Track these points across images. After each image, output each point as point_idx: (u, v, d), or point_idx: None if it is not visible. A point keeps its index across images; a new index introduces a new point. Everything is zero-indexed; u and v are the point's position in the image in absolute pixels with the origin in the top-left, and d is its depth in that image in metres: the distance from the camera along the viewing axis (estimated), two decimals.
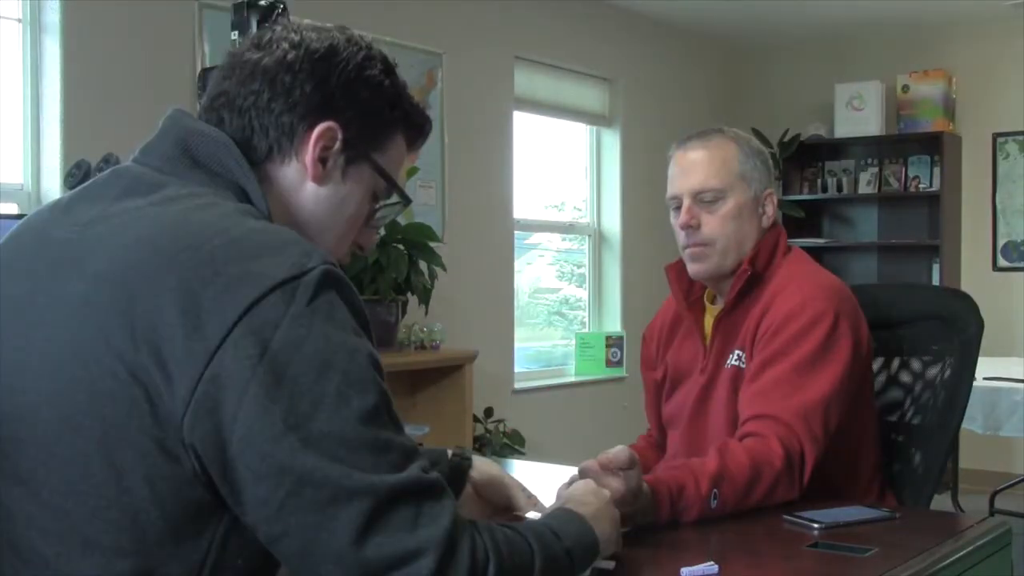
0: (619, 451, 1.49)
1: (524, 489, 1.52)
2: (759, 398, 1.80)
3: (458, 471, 1.49)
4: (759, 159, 2.00)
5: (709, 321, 2.03)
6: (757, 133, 6.45)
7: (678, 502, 1.58)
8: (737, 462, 1.66)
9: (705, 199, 1.95)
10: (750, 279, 1.93)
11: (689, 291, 2.06)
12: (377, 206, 1.24)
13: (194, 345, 0.95)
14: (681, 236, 1.98)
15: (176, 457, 0.97)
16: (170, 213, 1.06)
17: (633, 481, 1.49)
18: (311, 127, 1.16)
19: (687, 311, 2.05)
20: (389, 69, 1.22)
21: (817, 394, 1.78)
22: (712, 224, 1.95)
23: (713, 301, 2.06)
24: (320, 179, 1.18)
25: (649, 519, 1.55)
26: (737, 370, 1.91)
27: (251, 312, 0.96)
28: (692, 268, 1.99)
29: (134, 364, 0.97)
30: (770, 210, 2.00)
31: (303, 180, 1.17)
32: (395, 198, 1.25)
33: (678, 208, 1.98)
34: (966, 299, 2.09)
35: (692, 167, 1.97)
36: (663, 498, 1.56)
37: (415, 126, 1.26)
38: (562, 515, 1.21)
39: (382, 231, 4.15)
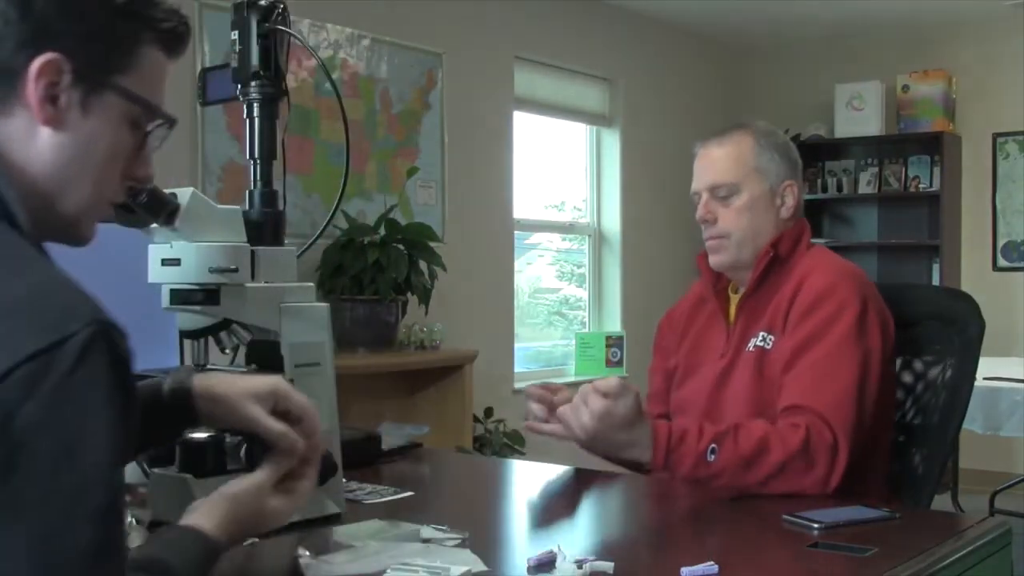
0: (611, 378, 1.65)
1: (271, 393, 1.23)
2: (794, 387, 1.84)
3: (178, 403, 1.24)
4: (778, 151, 2.05)
5: (733, 311, 2.07)
6: None
7: (676, 447, 1.68)
8: (747, 430, 1.72)
9: (720, 194, 2.02)
10: (773, 261, 1.99)
11: (716, 281, 2.12)
12: (148, 130, 1.07)
13: None
14: (702, 229, 2.06)
15: None
16: None
17: (625, 407, 1.66)
18: (28, 64, 0.98)
19: (713, 297, 2.09)
20: None
21: (850, 381, 1.81)
22: (727, 217, 2.02)
23: (736, 292, 2.10)
24: (53, 122, 1.00)
25: (645, 457, 1.67)
26: (761, 352, 1.94)
27: None
28: (712, 259, 2.06)
29: None
30: (790, 201, 2.04)
31: (34, 129, 1.00)
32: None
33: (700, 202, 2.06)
34: (967, 299, 2.10)
35: (708, 163, 2.05)
36: (661, 437, 1.68)
37: (167, 32, 1.07)
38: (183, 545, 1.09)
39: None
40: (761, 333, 1.96)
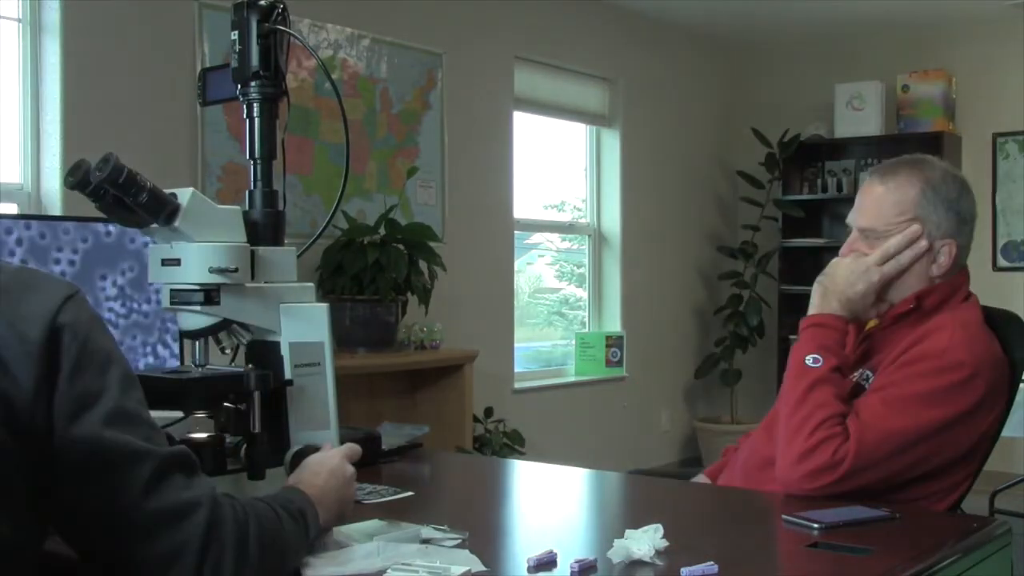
0: None
1: None
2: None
3: None
4: (945, 206, 1.90)
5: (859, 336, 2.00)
6: (757, 133, 6.46)
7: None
8: (827, 409, 1.75)
9: (870, 236, 1.94)
10: (912, 311, 1.89)
11: None
12: None
13: (26, 346, 1.08)
14: None
15: (23, 440, 1.08)
16: None
17: None
18: None
19: None
20: None
21: (905, 428, 1.74)
22: None
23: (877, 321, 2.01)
24: None
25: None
26: (858, 387, 1.87)
27: (59, 315, 1.11)
28: None
29: None
30: (943, 259, 1.90)
31: None
32: None
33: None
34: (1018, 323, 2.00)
35: (869, 201, 1.96)
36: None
37: None
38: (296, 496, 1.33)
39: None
40: (866, 371, 1.89)
